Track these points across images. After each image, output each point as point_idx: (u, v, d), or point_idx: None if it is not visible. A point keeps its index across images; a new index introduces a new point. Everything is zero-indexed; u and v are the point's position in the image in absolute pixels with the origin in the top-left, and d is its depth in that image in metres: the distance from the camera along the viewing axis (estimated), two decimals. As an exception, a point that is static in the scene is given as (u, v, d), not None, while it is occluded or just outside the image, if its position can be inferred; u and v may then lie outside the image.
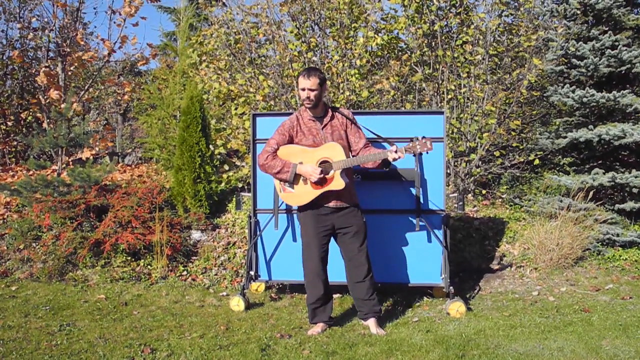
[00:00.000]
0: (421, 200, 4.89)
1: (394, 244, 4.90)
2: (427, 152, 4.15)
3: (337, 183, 4.11)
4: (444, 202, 4.95)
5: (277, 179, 4.24)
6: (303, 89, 4.13)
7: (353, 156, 4.25)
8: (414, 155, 4.12)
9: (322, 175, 4.08)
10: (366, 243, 4.29)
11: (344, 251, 4.31)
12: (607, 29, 6.46)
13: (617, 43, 6.27)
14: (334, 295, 4.80)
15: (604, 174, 6.15)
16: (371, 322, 4.24)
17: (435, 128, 4.90)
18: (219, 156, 7.13)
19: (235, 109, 7.02)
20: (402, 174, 4.79)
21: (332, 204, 4.19)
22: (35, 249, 5.95)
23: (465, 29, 6.99)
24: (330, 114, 4.26)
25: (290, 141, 4.23)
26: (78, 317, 4.54)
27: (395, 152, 4.05)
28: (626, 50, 6.19)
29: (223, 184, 6.85)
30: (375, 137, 4.65)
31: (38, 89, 8.55)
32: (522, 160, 7.17)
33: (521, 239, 6.04)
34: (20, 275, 5.70)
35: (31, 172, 7.36)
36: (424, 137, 4.10)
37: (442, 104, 7.00)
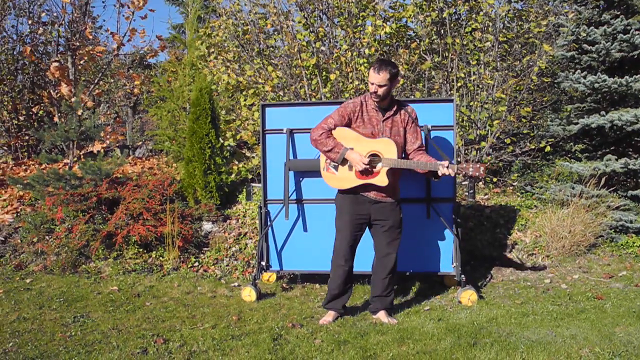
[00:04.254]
0: (432, 189, 4.87)
1: (405, 233, 4.86)
2: (479, 180, 4.05)
3: (381, 179, 4.05)
4: (454, 191, 4.93)
5: (326, 156, 4.19)
6: (372, 83, 4.06)
7: (405, 156, 4.22)
8: (464, 177, 4.03)
9: (367, 167, 4.04)
10: (399, 240, 4.25)
11: (375, 244, 4.29)
12: (619, 13, 6.38)
13: (629, 27, 6.18)
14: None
15: (616, 160, 6.09)
16: (381, 314, 4.24)
17: (445, 116, 4.87)
18: (228, 147, 7.14)
19: (245, 100, 7.02)
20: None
21: (372, 195, 4.15)
22: (49, 241, 6.00)
23: (474, 15, 6.93)
24: (395, 108, 4.19)
25: (348, 124, 4.17)
26: (91, 309, 4.58)
27: (447, 167, 3.97)
28: (638, 34, 6.11)
29: (233, 175, 6.86)
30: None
31: (49, 83, 8.61)
32: (533, 147, 7.12)
33: (533, 226, 6.01)
34: (34, 267, 5.76)
35: (43, 166, 7.42)
36: (479, 162, 4.03)
37: (452, 91, 6.96)
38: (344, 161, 4.13)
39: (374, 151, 4.08)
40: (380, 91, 4.05)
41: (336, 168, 4.20)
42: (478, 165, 3.98)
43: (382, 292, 4.25)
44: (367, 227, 4.29)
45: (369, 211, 4.18)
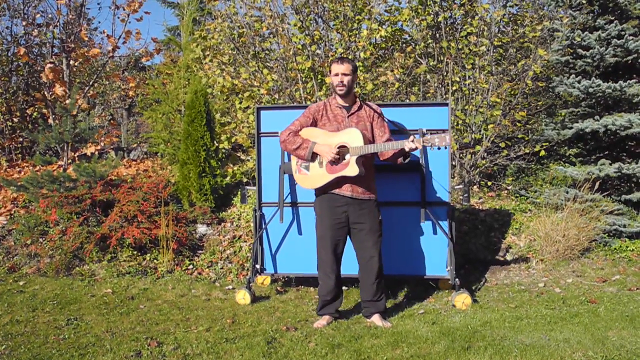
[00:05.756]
0: (426, 192, 4.88)
1: (399, 236, 4.90)
2: (446, 147, 4.09)
3: (352, 169, 4.07)
4: (449, 194, 4.94)
5: (295, 155, 4.24)
6: (336, 74, 4.18)
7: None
8: (431, 148, 4.07)
9: (337, 156, 4.07)
10: (380, 242, 4.25)
11: (356, 249, 4.29)
12: (613, 18, 6.42)
13: (623, 32, 6.22)
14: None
15: (610, 164, 6.12)
16: (375, 317, 4.25)
17: (440, 120, 4.88)
18: (223, 150, 7.13)
19: (240, 103, 7.02)
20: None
21: (348, 191, 4.15)
22: (42, 244, 5.98)
23: (469, 20, 6.96)
24: (358, 104, 4.29)
25: (314, 124, 4.25)
26: (85, 312, 4.57)
27: (412, 141, 4.01)
28: (632, 39, 6.15)
29: (228, 178, 6.86)
30: (397, 129, 4.62)
31: (43, 85, 8.57)
32: (527, 151, 7.15)
33: (527, 230, 6.03)
34: (28, 270, 5.73)
35: (37, 168, 7.39)
36: (444, 131, 4.05)
37: (447, 95, 6.98)
38: (313, 157, 4.18)
39: (341, 143, 4.12)
40: (346, 80, 4.17)
41: (307, 168, 4.24)
42: (443, 135, 3.99)
43: (372, 297, 4.25)
44: (347, 233, 4.29)
45: (347, 214, 4.19)
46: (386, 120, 4.38)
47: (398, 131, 4.62)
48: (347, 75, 4.17)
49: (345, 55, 6.66)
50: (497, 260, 5.74)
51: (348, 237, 4.31)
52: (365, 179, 4.17)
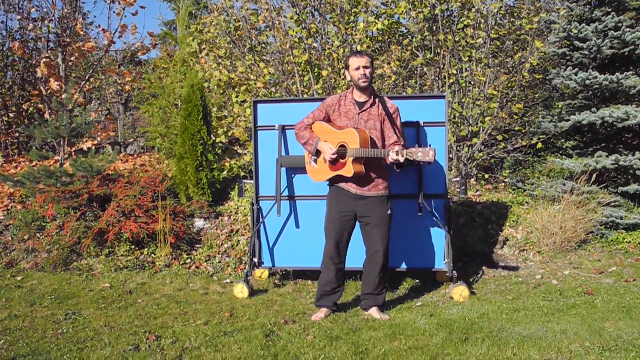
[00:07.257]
0: (424, 185, 4.88)
1: (397, 229, 4.89)
2: (429, 164, 4.01)
3: (347, 170, 4.09)
4: (446, 187, 4.94)
5: (305, 149, 4.32)
6: (358, 68, 4.12)
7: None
8: (414, 162, 4.00)
9: (334, 156, 4.09)
10: (387, 237, 4.23)
11: (364, 241, 4.29)
12: (610, 10, 6.41)
13: (620, 24, 6.21)
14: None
15: (607, 156, 6.13)
16: (373, 310, 4.25)
17: (437, 112, 4.88)
18: (220, 144, 7.12)
19: (236, 96, 7.00)
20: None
21: (352, 188, 4.17)
22: (40, 239, 5.97)
23: (466, 12, 6.95)
24: (372, 100, 4.22)
25: (327, 119, 4.27)
26: (83, 306, 4.57)
27: (396, 153, 3.97)
28: (629, 31, 6.14)
29: (225, 172, 6.85)
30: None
31: (39, 79, 8.54)
32: (524, 143, 7.15)
33: (524, 222, 6.04)
34: (25, 265, 5.73)
35: (34, 163, 7.37)
36: (430, 145, 3.97)
37: (444, 88, 6.97)
38: (318, 153, 4.22)
39: (342, 142, 4.13)
40: (368, 72, 4.14)
41: (316, 162, 4.28)
42: (427, 149, 3.91)
43: (373, 290, 4.26)
44: (355, 225, 4.29)
45: (353, 208, 4.20)
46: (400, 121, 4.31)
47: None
48: (368, 67, 4.14)
49: (342, 49, 6.65)
50: (495, 264, 5.75)
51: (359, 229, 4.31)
52: (370, 177, 4.17)
